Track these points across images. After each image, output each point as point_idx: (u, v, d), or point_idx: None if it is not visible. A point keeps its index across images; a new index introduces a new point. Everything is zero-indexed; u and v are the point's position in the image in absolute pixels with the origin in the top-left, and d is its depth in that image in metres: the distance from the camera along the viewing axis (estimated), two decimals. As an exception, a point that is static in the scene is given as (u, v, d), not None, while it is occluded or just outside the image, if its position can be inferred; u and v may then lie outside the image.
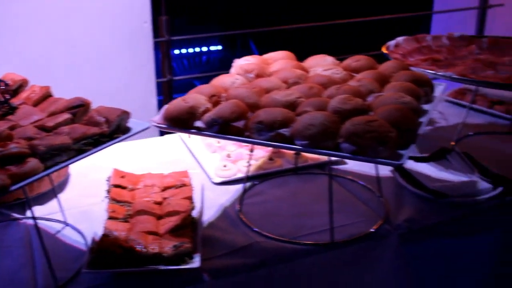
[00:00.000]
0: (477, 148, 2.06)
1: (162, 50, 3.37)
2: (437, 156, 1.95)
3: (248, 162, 1.79)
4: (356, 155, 1.36)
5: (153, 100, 3.07)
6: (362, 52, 2.68)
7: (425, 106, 1.63)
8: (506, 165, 1.93)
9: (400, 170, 1.86)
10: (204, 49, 8.18)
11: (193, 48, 8.17)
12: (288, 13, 7.13)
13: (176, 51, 8.06)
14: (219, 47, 8.19)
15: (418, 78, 1.68)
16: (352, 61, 1.83)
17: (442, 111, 2.40)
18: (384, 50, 2.04)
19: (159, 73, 3.22)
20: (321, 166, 1.96)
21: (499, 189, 1.76)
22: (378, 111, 1.46)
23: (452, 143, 2.07)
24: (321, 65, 1.80)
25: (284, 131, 1.43)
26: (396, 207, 1.72)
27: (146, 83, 3.07)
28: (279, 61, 1.84)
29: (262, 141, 1.45)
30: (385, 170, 1.87)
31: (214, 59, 8.18)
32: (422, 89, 1.65)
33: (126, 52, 2.92)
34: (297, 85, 1.65)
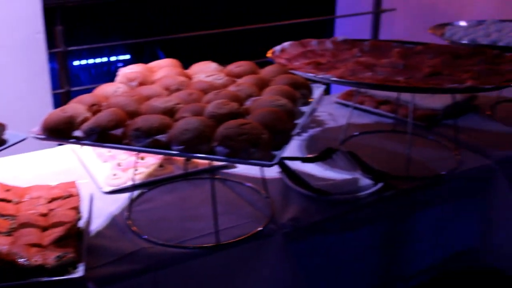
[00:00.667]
0: (362, 146, 2.19)
1: (58, 61, 3.36)
2: (323, 156, 2.06)
3: (135, 169, 1.83)
4: (229, 158, 1.43)
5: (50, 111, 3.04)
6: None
7: (303, 108, 1.73)
8: (388, 161, 2.06)
9: (286, 171, 1.95)
10: (113, 58, 8.14)
11: (101, 58, 8.11)
12: (197, 19, 7.19)
13: (84, 61, 7.98)
14: (127, 57, 8.17)
15: (296, 81, 1.77)
16: (234, 66, 1.90)
17: (332, 113, 2.52)
18: (269, 55, 2.13)
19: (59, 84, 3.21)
20: (211, 170, 2.02)
21: (379, 185, 1.87)
22: (253, 115, 1.54)
23: (339, 143, 2.19)
24: (204, 71, 1.87)
25: (161, 137, 1.48)
26: (282, 207, 1.80)
27: (42, 95, 3.04)
28: (163, 68, 1.90)
29: (139, 148, 1.49)
30: (272, 172, 1.95)
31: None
32: (300, 91, 1.74)
33: (19, 64, 2.90)
34: (178, 92, 1.71)
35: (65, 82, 3.38)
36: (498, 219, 2.10)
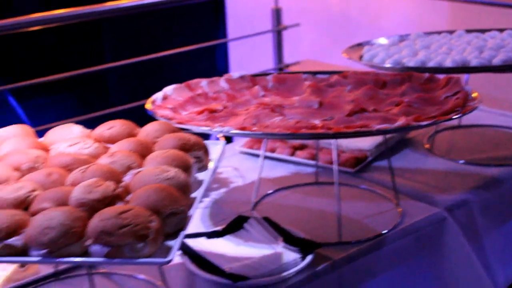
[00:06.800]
0: (280, 208, 2.14)
1: None
2: (233, 228, 1.98)
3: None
4: (110, 258, 1.33)
5: None
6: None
7: (200, 175, 1.66)
8: (315, 224, 2.02)
9: (188, 252, 1.87)
10: None
11: None
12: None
13: None
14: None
15: (187, 142, 1.71)
16: (105, 128, 1.82)
17: (237, 167, 2.46)
18: (148, 106, 2.03)
19: None
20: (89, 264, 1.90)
21: (309, 258, 1.82)
22: (134, 195, 1.45)
23: (250, 207, 2.13)
24: (65, 139, 1.77)
25: (15, 240, 1.37)
26: (188, 303, 1.71)
27: None
28: (9, 139, 1.78)
29: (-15, 259, 1.37)
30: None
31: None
32: (193, 154, 1.67)
33: None
34: (32, 173, 1.59)
35: None
36: (454, 277, 2.10)
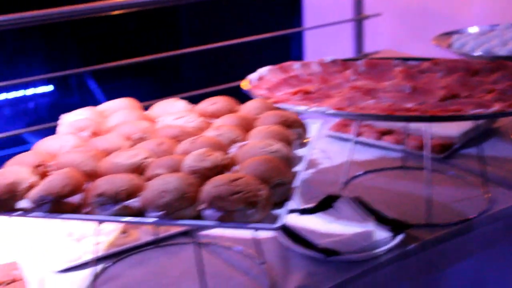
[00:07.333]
0: (368, 189, 2.19)
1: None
2: (324, 206, 2.05)
3: (97, 239, 1.78)
4: (222, 222, 1.41)
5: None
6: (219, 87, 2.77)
7: (300, 151, 1.72)
8: (403, 206, 2.06)
9: (282, 228, 1.94)
10: (30, 92, 7.93)
11: (16, 91, 7.89)
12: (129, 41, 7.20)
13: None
14: (50, 88, 8.00)
15: (287, 119, 1.77)
16: (208, 104, 1.89)
17: (325, 149, 2.52)
18: (244, 86, 2.12)
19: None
20: (189, 233, 1.99)
21: (399, 238, 1.87)
22: (243, 166, 1.52)
23: (340, 187, 2.18)
24: (171, 112, 1.85)
25: (133, 202, 1.46)
26: (282, 273, 1.78)
27: None
28: (118, 112, 1.87)
29: (105, 218, 1.47)
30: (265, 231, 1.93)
31: (43, 105, 7.97)
32: (294, 131, 1.74)
33: None
34: (143, 142, 1.69)
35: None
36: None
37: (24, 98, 8.02)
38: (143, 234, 2.00)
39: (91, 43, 7.18)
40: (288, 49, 6.67)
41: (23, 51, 7.59)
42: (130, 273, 1.84)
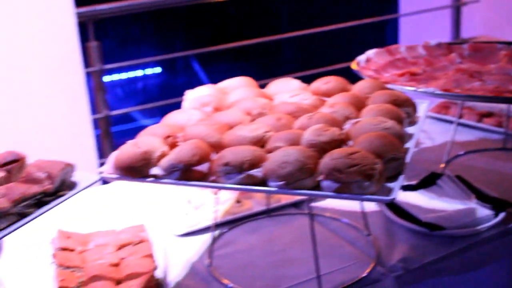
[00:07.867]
0: (469, 169, 2.16)
1: (95, 81, 3.39)
2: (426, 183, 2.04)
3: (214, 207, 1.83)
4: (339, 193, 1.43)
5: (90, 141, 3.08)
6: (326, 69, 2.77)
7: (409, 129, 1.72)
8: (503, 186, 2.03)
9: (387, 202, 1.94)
10: (140, 73, 8.15)
11: (126, 72, 8.10)
12: (232, 27, 7.27)
13: (109, 78, 7.96)
14: (158, 70, 8.19)
15: (397, 98, 1.77)
16: (321, 83, 1.91)
17: (426, 130, 2.50)
18: (354, 67, 2.12)
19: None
20: (298, 204, 2.02)
21: (502, 215, 1.84)
22: (358, 141, 1.54)
23: (442, 165, 2.16)
24: (286, 90, 1.88)
25: (256, 172, 1.49)
26: (387, 245, 1.79)
27: (80, 122, 3.08)
28: (238, 89, 1.91)
29: (231, 186, 1.51)
30: (369, 204, 1.94)
31: (152, 85, 8.17)
32: (404, 110, 1.73)
33: (54, 89, 2.93)
34: (262, 117, 1.72)
35: (103, 106, 3.41)
36: None
37: (134, 79, 8.24)
38: (255, 204, 2.04)
39: (198, 28, 7.30)
40: (383, 33, 6.60)
41: (135, 36, 7.80)
42: (244, 239, 1.89)
